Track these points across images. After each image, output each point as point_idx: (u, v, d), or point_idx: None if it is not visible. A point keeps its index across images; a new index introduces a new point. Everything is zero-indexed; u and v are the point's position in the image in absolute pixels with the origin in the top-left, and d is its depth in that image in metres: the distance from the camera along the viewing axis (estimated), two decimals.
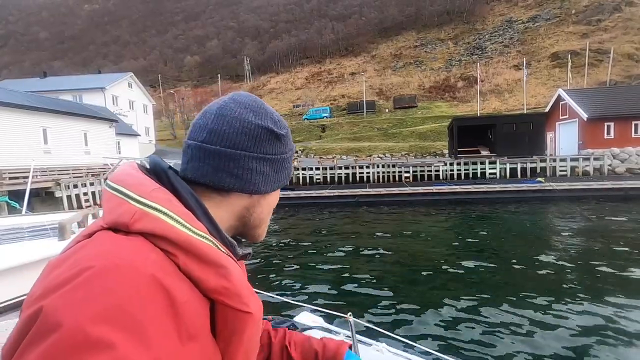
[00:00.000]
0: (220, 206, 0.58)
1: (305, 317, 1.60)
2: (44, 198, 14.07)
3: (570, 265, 6.64)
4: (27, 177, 7.31)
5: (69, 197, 14.50)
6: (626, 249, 7.53)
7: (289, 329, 1.29)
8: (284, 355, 0.85)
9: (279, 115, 0.64)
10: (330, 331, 1.82)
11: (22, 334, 0.38)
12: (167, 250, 0.46)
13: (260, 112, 0.60)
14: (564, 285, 5.55)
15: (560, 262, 6.80)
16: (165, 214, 0.47)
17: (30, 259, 1.56)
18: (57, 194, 14.26)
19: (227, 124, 0.56)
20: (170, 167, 0.56)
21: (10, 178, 13.02)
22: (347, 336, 1.49)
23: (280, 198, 0.62)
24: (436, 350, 1.58)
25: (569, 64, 35.12)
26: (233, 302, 0.49)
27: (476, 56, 61.81)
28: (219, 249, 0.51)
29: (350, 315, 1.47)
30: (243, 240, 0.66)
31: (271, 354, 0.85)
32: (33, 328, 0.38)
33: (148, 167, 0.57)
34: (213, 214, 0.54)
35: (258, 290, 2.42)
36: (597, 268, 6.31)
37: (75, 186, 15.00)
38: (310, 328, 1.59)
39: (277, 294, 5.38)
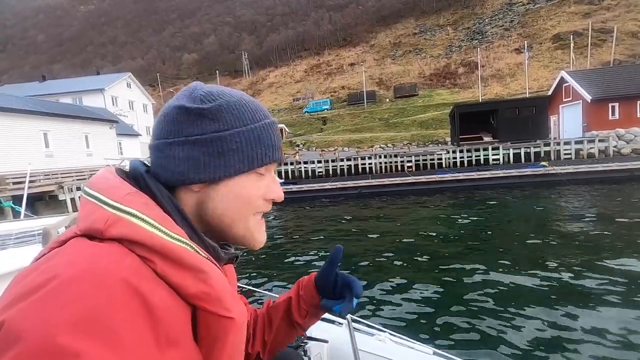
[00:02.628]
0: (181, 205, 0.53)
1: None
2: (47, 202, 14.16)
3: (576, 249, 6.57)
4: (28, 182, 7.32)
5: (72, 199, 14.58)
6: (634, 231, 7.43)
7: None
8: (266, 321, 0.84)
9: (213, 89, 0.55)
10: (332, 322, 1.80)
11: None
12: (143, 256, 0.44)
13: (184, 92, 0.55)
14: (569, 271, 5.49)
15: (566, 247, 6.72)
16: (140, 218, 0.45)
17: (8, 269, 1.49)
18: (61, 197, 14.36)
19: (158, 116, 0.55)
20: (148, 170, 0.54)
21: (14, 183, 13.10)
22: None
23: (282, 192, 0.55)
24: (436, 344, 1.55)
25: (572, 45, 34.41)
26: (214, 307, 0.47)
27: (476, 41, 60.83)
28: (199, 253, 0.48)
29: None
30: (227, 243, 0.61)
31: (256, 330, 0.83)
32: None
33: (127, 171, 0.55)
34: None
35: (255, 288, 2.38)
36: (603, 252, 6.23)
37: (79, 188, 15.05)
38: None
39: (276, 291, 5.37)
